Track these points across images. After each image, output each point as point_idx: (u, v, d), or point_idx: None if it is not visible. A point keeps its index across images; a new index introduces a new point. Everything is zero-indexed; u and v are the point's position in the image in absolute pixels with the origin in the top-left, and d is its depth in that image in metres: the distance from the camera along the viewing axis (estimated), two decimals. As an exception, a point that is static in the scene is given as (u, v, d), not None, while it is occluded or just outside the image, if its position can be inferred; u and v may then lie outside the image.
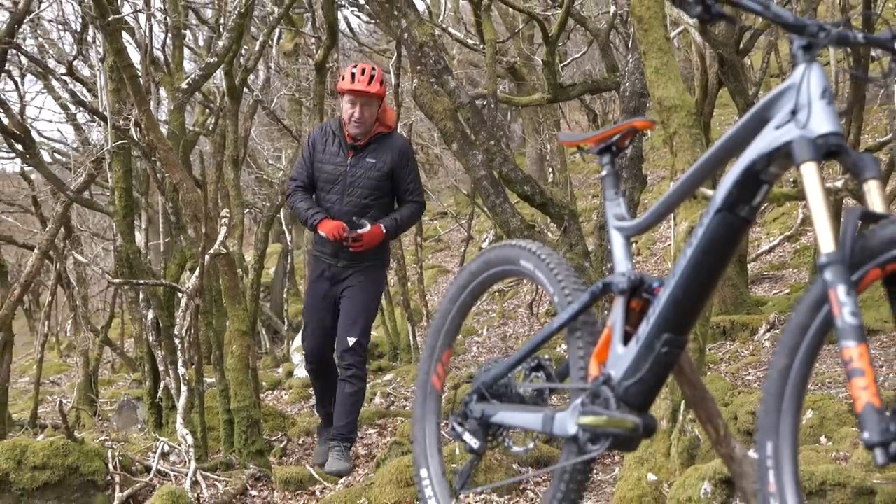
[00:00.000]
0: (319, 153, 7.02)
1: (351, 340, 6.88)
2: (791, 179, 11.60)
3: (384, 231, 6.92)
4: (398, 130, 14.33)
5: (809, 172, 2.64)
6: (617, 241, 3.41)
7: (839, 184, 7.23)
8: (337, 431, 7.10)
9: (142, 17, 11.63)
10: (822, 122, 2.66)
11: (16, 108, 13.12)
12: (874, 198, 2.60)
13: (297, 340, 14.30)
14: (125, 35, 8.91)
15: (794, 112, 2.72)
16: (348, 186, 6.91)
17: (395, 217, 7.02)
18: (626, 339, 3.22)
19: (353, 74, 6.76)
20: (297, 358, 13.96)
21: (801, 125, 2.69)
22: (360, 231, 6.80)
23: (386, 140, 7.02)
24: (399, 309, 14.14)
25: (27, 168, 15.77)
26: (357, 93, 6.74)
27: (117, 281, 10.09)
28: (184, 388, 7.41)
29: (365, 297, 7.05)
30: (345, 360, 6.94)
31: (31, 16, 13.31)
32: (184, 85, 9.65)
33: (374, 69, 6.85)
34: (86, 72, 15.06)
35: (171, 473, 6.53)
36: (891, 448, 2.34)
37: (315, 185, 7.08)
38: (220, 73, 10.88)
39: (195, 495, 6.17)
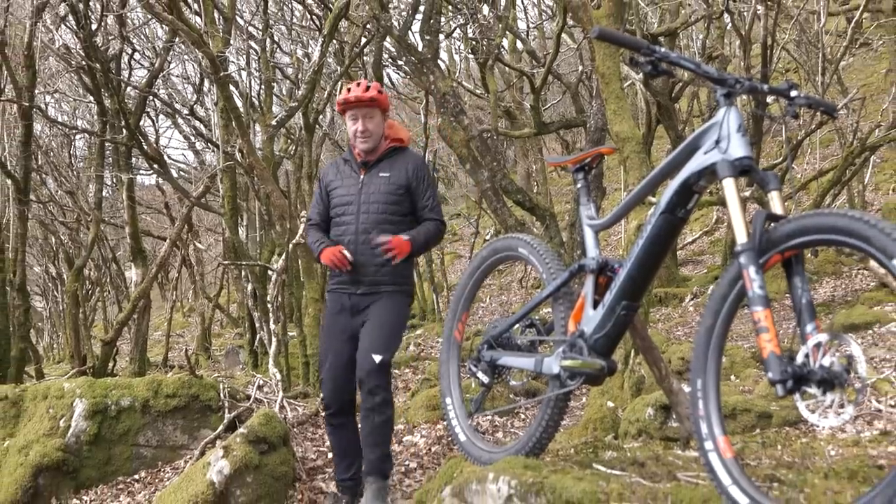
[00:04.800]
0: (333, 182, 4.86)
1: (377, 358, 4.36)
2: (710, 191, 11.60)
3: (409, 241, 4.60)
4: (426, 158, 14.38)
5: (729, 185, 2.65)
6: (588, 235, 3.42)
7: (748, 193, 7.21)
8: (372, 466, 4.53)
9: (243, 74, 11.65)
10: (738, 148, 2.67)
11: (152, 139, 13.16)
12: (775, 204, 2.62)
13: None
14: (231, 86, 8.92)
15: (717, 142, 2.73)
16: (362, 204, 4.69)
17: (418, 230, 4.72)
18: (595, 304, 3.23)
19: (348, 89, 4.74)
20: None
21: (723, 151, 2.70)
22: (382, 238, 4.54)
23: (400, 154, 4.84)
24: (426, 283, 14.17)
25: (161, 181, 15.80)
26: (354, 103, 4.68)
27: (226, 262, 10.13)
28: (273, 339, 7.43)
29: (388, 316, 4.58)
30: (370, 382, 4.37)
31: (163, 72, 13.33)
32: (273, 122, 9.65)
33: (370, 82, 4.79)
34: (202, 112, 15.09)
35: (265, 400, 6.54)
36: (787, 384, 2.35)
37: (330, 218, 4.85)
38: (299, 114, 10.88)
39: (282, 416, 6.19)
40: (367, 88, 4.69)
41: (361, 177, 4.77)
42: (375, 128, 4.75)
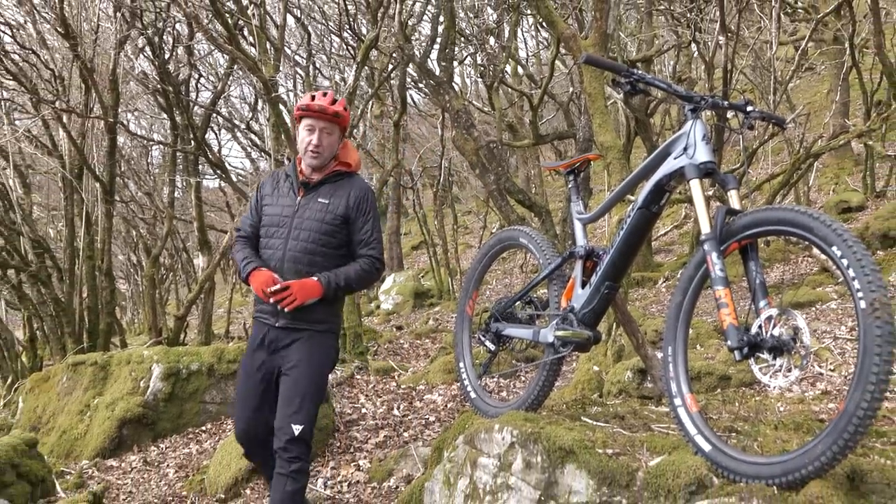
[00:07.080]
0: (268, 197, 3.75)
1: (297, 429, 3.39)
2: (679, 191, 11.53)
3: (319, 283, 3.49)
4: (444, 163, 14.34)
5: (695, 185, 2.65)
6: (577, 227, 3.42)
7: (711, 192, 7.17)
8: None
9: (291, 95, 11.65)
10: (702, 154, 2.66)
11: (216, 149, 13.17)
12: (734, 201, 2.61)
13: (386, 284, 14.32)
14: (281, 105, 8.91)
15: (685, 149, 2.72)
16: (294, 230, 3.58)
17: (336, 272, 3.55)
18: (583, 285, 3.23)
19: (312, 96, 3.64)
20: (383, 297, 13.99)
21: (690, 157, 2.69)
22: (277, 279, 3.50)
23: (344, 180, 3.70)
24: (443, 268, 14.19)
25: (223, 184, 15.86)
26: (316, 113, 3.58)
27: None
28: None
29: (310, 376, 3.51)
30: (288, 451, 3.39)
31: (224, 94, 13.35)
32: (315, 135, 9.63)
33: (337, 96, 3.71)
34: (257, 127, 15.12)
35: (310, 365, 6.54)
36: (743, 351, 2.35)
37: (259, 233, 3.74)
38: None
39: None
40: (335, 102, 3.64)
41: (298, 198, 3.67)
42: (329, 145, 3.67)
